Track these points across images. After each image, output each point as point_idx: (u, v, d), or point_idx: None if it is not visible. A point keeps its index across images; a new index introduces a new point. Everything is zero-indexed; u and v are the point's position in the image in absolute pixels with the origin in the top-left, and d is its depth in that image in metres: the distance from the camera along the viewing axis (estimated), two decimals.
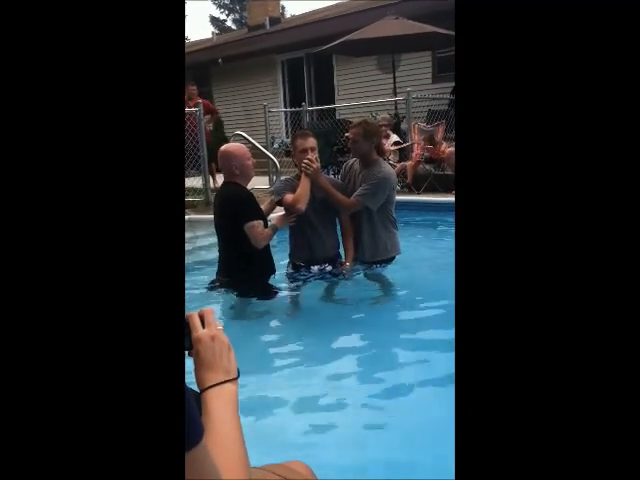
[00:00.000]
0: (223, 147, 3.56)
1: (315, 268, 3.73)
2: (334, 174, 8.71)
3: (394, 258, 3.87)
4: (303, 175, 3.46)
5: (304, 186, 3.44)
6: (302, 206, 3.42)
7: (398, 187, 7.73)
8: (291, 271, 3.78)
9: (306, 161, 3.44)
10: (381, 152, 3.77)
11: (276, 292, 3.63)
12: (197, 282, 4.09)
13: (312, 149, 3.50)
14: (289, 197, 3.47)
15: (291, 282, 3.77)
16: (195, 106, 8.04)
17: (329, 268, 3.74)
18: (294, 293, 3.77)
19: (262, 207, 3.58)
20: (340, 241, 3.83)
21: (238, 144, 3.73)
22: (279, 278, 3.75)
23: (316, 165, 3.47)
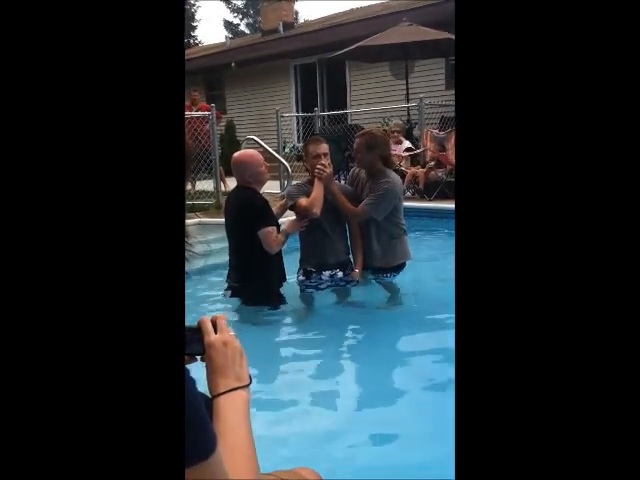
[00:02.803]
0: (236, 155, 3.55)
1: (326, 274, 3.69)
2: (345, 180, 8.73)
3: (405, 264, 3.86)
4: (317, 180, 3.46)
5: (318, 190, 3.44)
6: (317, 210, 3.41)
7: (409, 193, 7.77)
8: (302, 278, 3.75)
9: (320, 166, 3.44)
10: (388, 163, 3.74)
11: (283, 301, 3.63)
12: (208, 286, 4.09)
13: (325, 155, 3.50)
14: (304, 201, 3.47)
15: (302, 290, 3.75)
16: (199, 110, 8.11)
17: (340, 274, 3.70)
18: (305, 300, 3.77)
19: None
20: (350, 247, 3.82)
21: (251, 151, 3.71)
22: (290, 285, 3.75)
23: (329, 170, 3.47)
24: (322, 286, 3.72)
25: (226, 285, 3.64)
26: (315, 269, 3.70)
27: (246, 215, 3.39)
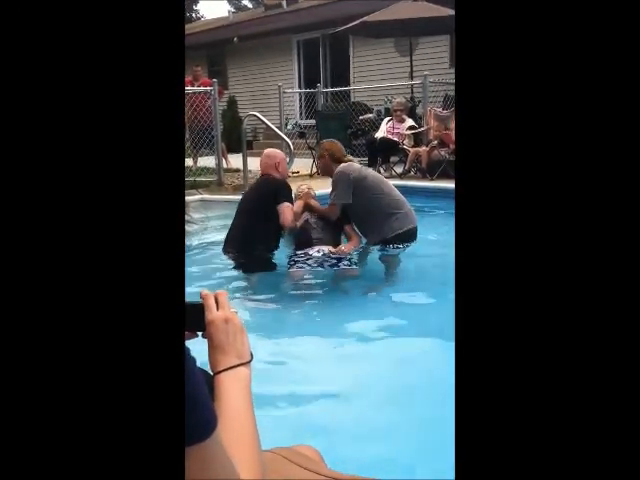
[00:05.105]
0: (267, 152, 4.14)
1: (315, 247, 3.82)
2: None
3: (412, 234, 3.90)
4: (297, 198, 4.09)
5: (297, 205, 4.01)
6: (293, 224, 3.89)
7: (412, 172, 7.73)
8: (290, 253, 3.91)
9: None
10: (338, 161, 4.05)
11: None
12: (208, 262, 4.10)
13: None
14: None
15: (291, 265, 3.80)
16: (201, 86, 8.06)
17: (325, 250, 3.79)
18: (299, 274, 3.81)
19: None
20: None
21: (277, 150, 4.25)
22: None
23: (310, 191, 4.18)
24: (311, 261, 3.74)
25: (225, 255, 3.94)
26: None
27: (272, 190, 3.83)
